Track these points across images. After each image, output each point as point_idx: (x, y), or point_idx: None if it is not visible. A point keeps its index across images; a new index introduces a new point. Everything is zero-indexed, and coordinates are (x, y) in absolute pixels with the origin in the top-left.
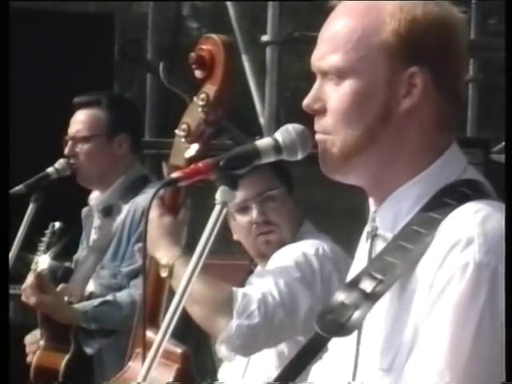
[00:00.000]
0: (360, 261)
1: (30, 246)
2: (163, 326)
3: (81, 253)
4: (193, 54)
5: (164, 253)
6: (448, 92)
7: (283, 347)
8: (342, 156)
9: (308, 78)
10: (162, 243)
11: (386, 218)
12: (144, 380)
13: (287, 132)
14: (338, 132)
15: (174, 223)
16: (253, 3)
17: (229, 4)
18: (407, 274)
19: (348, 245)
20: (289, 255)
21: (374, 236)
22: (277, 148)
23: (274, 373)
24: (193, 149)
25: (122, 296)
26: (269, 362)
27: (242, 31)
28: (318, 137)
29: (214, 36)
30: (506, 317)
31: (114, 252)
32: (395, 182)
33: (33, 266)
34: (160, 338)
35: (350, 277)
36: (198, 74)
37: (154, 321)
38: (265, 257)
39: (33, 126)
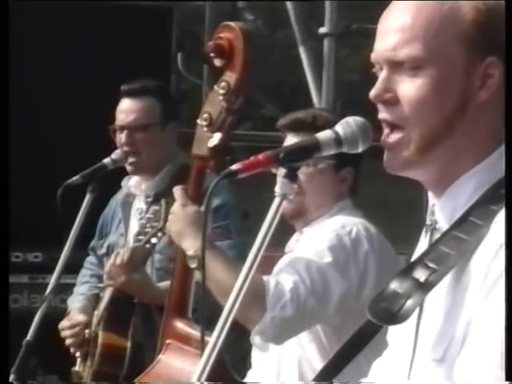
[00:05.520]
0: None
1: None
2: (217, 327)
3: (116, 238)
4: (211, 43)
5: (190, 243)
6: None
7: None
8: (419, 150)
9: (362, 71)
10: (187, 233)
11: (445, 210)
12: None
13: (348, 125)
14: (413, 123)
15: (199, 213)
16: None
17: None
18: (463, 265)
19: (403, 238)
20: (322, 237)
21: (432, 230)
22: (338, 141)
23: (306, 344)
24: (215, 138)
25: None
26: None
27: (299, 23)
28: (389, 137)
29: (232, 24)
30: (507, 317)
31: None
32: (457, 173)
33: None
34: (214, 340)
35: None
36: (217, 62)
37: (182, 311)
38: (292, 218)
39: (91, 119)
